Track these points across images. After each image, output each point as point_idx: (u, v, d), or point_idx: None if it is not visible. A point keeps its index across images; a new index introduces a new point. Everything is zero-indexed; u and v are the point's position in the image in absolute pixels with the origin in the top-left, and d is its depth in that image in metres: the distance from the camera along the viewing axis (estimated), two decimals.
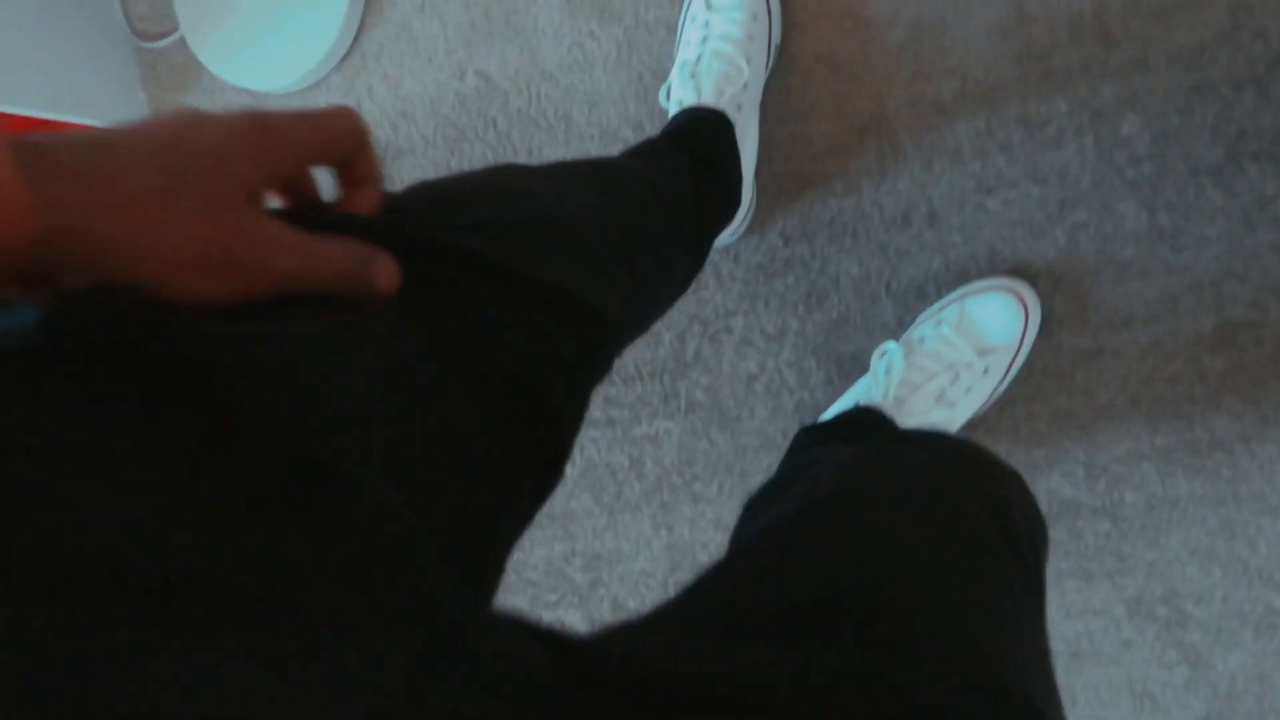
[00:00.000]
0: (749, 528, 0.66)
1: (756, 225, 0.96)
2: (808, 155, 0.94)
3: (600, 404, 1.05)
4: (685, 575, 1.10)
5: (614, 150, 0.99)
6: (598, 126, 0.99)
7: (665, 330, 1.02)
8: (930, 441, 0.69)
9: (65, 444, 0.23)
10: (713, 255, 0.98)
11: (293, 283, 0.32)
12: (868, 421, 0.83)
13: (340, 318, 0.33)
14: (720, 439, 1.02)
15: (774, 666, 0.31)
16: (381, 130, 1.07)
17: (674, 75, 0.90)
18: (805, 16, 0.92)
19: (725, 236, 0.95)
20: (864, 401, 0.87)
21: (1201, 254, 0.85)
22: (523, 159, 1.03)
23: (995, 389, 0.89)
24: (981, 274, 0.90)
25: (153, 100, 1.16)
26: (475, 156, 1.04)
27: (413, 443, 0.32)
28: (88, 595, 0.21)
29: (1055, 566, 0.94)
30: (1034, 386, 0.91)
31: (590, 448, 1.06)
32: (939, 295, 0.92)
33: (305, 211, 0.37)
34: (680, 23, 0.93)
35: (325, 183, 0.38)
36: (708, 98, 0.87)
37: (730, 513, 1.04)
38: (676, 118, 0.87)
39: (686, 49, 0.90)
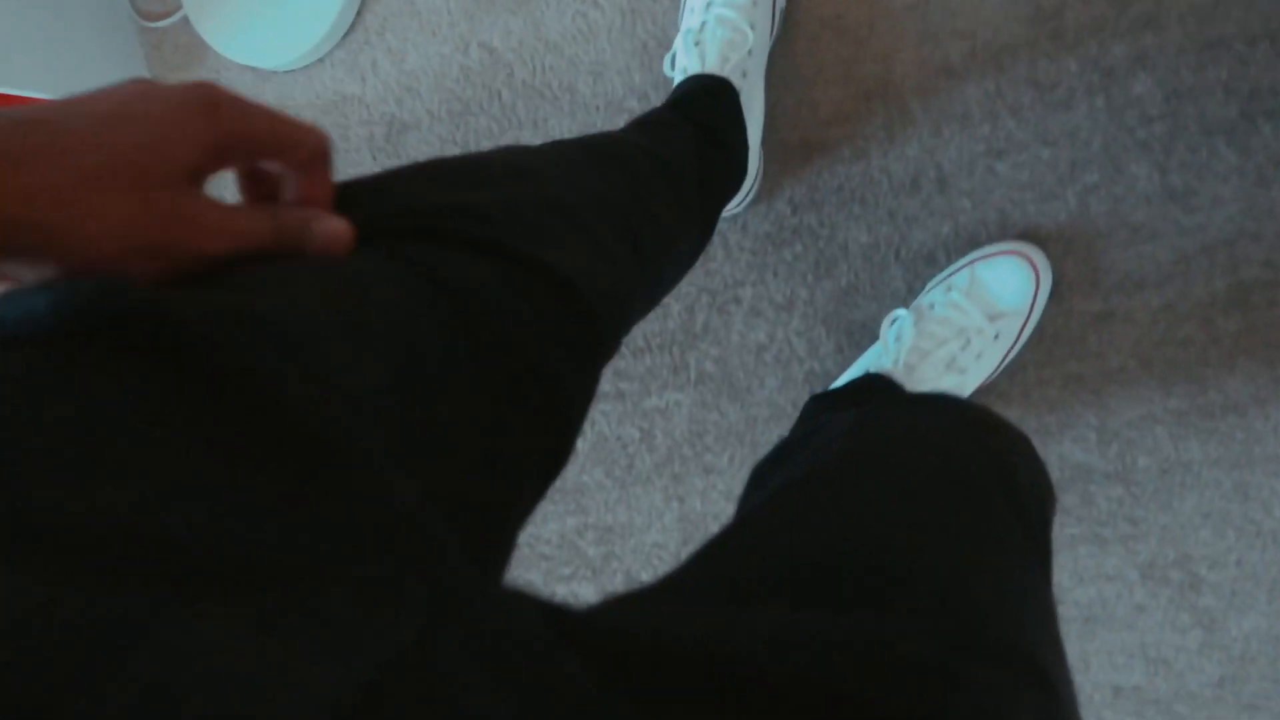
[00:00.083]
0: (754, 496, 0.66)
1: (764, 194, 0.96)
2: (815, 122, 0.93)
3: (610, 377, 1.05)
4: (697, 547, 1.10)
5: (619, 121, 0.99)
6: (603, 97, 0.99)
7: (674, 302, 1.01)
8: (936, 405, 0.69)
9: (77, 421, 0.24)
10: (720, 225, 0.98)
11: (226, 258, 0.33)
12: (877, 388, 0.83)
13: (343, 290, 0.33)
14: (730, 410, 1.02)
15: (775, 633, 0.31)
16: (387, 105, 1.07)
17: (678, 43, 0.89)
18: None
19: (732, 206, 0.94)
20: (874, 369, 0.86)
21: (1214, 214, 0.84)
22: (528, 131, 1.02)
23: (1006, 354, 0.88)
24: (992, 239, 0.90)
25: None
26: (480, 129, 1.04)
27: (415, 416, 0.32)
28: (97, 564, 0.21)
29: (1068, 532, 0.93)
30: (1045, 351, 0.91)
31: (601, 421, 1.07)
32: (949, 261, 0.91)
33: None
34: None
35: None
36: (712, 65, 0.86)
37: (741, 484, 1.04)
38: (681, 86, 0.87)
39: (690, 16, 0.89)
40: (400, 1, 1.04)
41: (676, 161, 0.70)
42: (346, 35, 1.07)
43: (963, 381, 0.86)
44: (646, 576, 1.12)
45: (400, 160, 1.08)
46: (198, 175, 0.32)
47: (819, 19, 0.91)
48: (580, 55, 0.99)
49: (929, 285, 0.91)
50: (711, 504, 1.06)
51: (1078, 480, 0.92)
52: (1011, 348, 0.88)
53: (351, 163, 1.10)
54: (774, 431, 1.02)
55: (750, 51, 0.87)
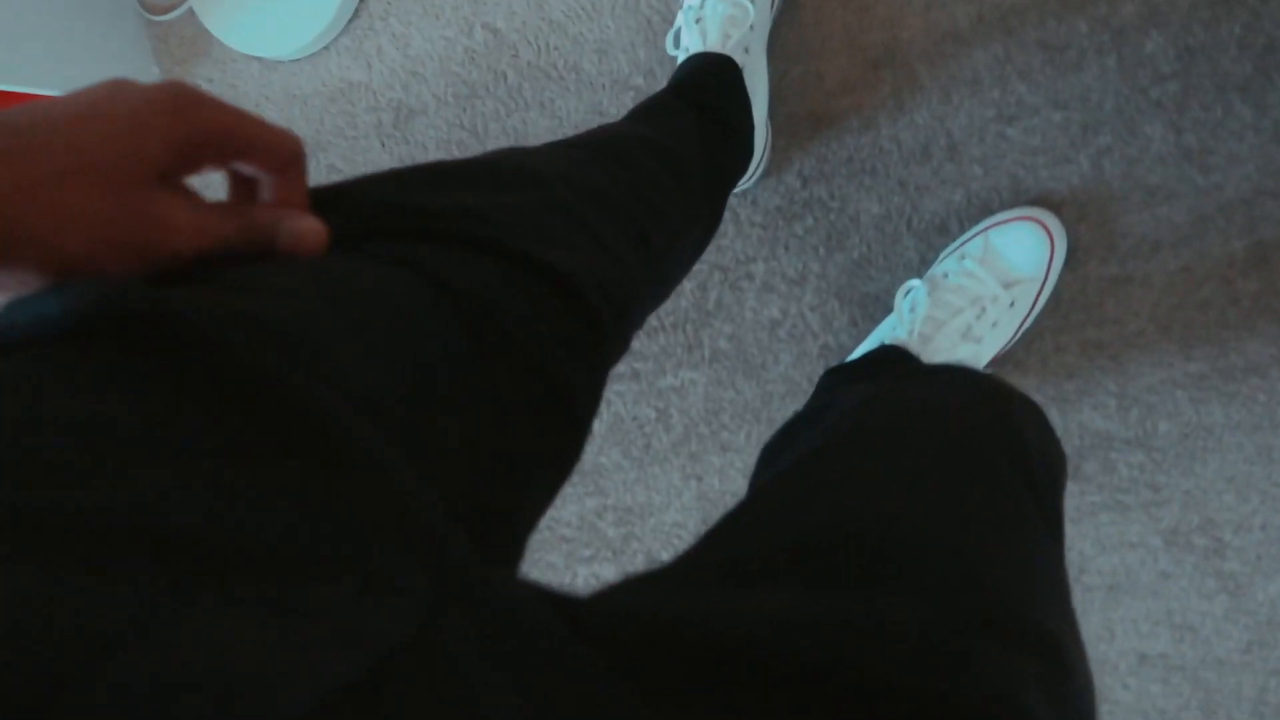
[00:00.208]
0: (764, 474, 0.66)
1: (773, 168, 0.95)
2: (822, 93, 0.92)
3: (625, 357, 1.05)
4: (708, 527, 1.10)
5: (625, 99, 0.99)
6: (608, 75, 0.98)
7: (686, 280, 1.01)
8: (943, 376, 0.68)
9: (83, 420, 0.25)
10: (730, 201, 0.97)
11: (195, 255, 0.33)
12: (891, 360, 0.82)
13: (344, 291, 0.33)
14: (746, 387, 1.02)
15: (780, 615, 0.31)
16: (393, 91, 1.07)
17: (679, 21, 0.89)
18: None
19: (742, 182, 0.94)
20: (889, 341, 0.86)
21: (1231, 173, 0.82)
22: (534, 113, 1.02)
23: (1022, 322, 0.88)
24: (1005, 205, 0.89)
25: (166, 74, 1.17)
26: (488, 112, 1.04)
27: (418, 413, 0.33)
28: (100, 559, 0.21)
29: (1089, 500, 0.93)
30: (1062, 318, 0.90)
31: (616, 401, 1.07)
32: (962, 230, 0.91)
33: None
34: None
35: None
36: (714, 43, 0.85)
37: None
38: (683, 66, 0.86)
39: None
40: None
41: (680, 150, 0.70)
42: (351, 22, 1.07)
43: (979, 350, 0.85)
44: (667, 556, 1.13)
45: (409, 146, 1.08)
46: (169, 174, 0.32)
47: None
48: (584, 33, 0.98)
49: (942, 254, 0.90)
50: (729, 482, 1.06)
51: (1098, 447, 0.91)
52: (1027, 315, 0.87)
53: (360, 150, 1.10)
54: (790, 407, 1.01)
55: (752, 26, 0.86)
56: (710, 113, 0.79)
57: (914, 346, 0.83)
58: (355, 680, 0.21)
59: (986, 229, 0.87)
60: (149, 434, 0.25)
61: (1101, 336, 0.89)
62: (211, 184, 0.94)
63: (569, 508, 1.12)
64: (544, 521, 1.13)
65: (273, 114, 1.13)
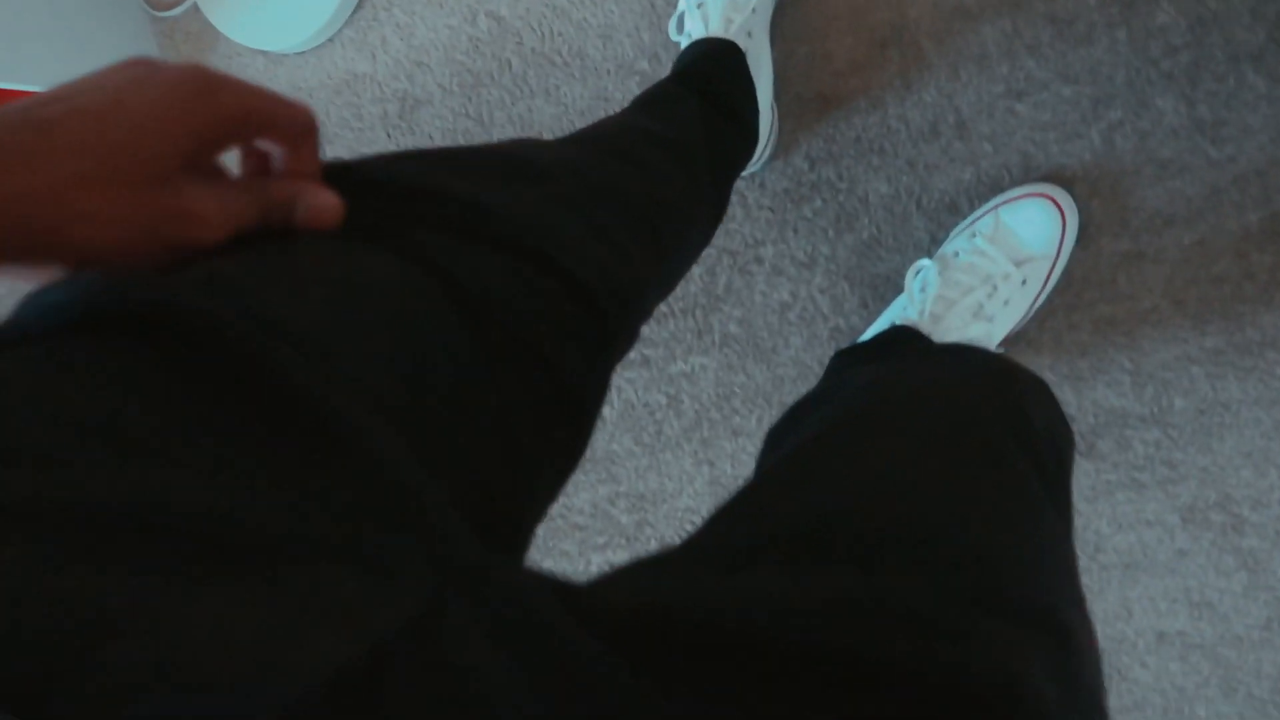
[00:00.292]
0: (769, 458, 0.66)
1: (781, 150, 0.95)
2: (828, 73, 0.91)
3: (634, 345, 1.05)
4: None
5: (631, 84, 0.98)
6: (613, 60, 0.98)
7: (695, 265, 1.01)
8: (950, 356, 0.68)
9: (91, 409, 0.25)
10: (738, 185, 0.97)
11: (218, 242, 0.33)
12: (902, 340, 0.82)
13: (350, 284, 0.33)
14: (756, 371, 1.02)
15: (780, 597, 0.31)
16: (398, 82, 1.07)
17: (682, 5, 0.88)
18: None
19: (749, 166, 0.93)
20: (900, 321, 0.85)
21: (1245, 145, 0.81)
22: (540, 100, 1.02)
23: (1034, 300, 0.87)
24: (1015, 182, 0.88)
25: None
26: (493, 101, 1.04)
27: (422, 404, 0.33)
28: (104, 543, 0.22)
29: (1104, 479, 0.92)
30: (1074, 295, 0.89)
31: (627, 388, 1.07)
32: (972, 208, 0.90)
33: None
34: None
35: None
36: (716, 28, 0.85)
37: None
38: (686, 53, 0.86)
39: None
40: None
41: (684, 140, 0.70)
42: (354, 13, 1.07)
43: (990, 329, 0.85)
44: (680, 542, 1.12)
45: (415, 136, 1.08)
46: (195, 162, 0.32)
47: None
48: (588, 19, 0.98)
49: (953, 233, 0.90)
50: (741, 466, 1.05)
51: (1113, 425, 0.91)
52: (1040, 293, 0.87)
53: (366, 141, 1.10)
54: (800, 391, 1.01)
55: (754, 10, 0.86)
56: (714, 100, 0.79)
57: (925, 326, 0.82)
58: (354, 663, 0.20)
59: (997, 206, 0.86)
60: (150, 424, 0.25)
61: (1115, 313, 0.88)
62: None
63: (582, 495, 1.12)
64: (557, 509, 1.13)
65: None
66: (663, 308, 1.03)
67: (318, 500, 0.26)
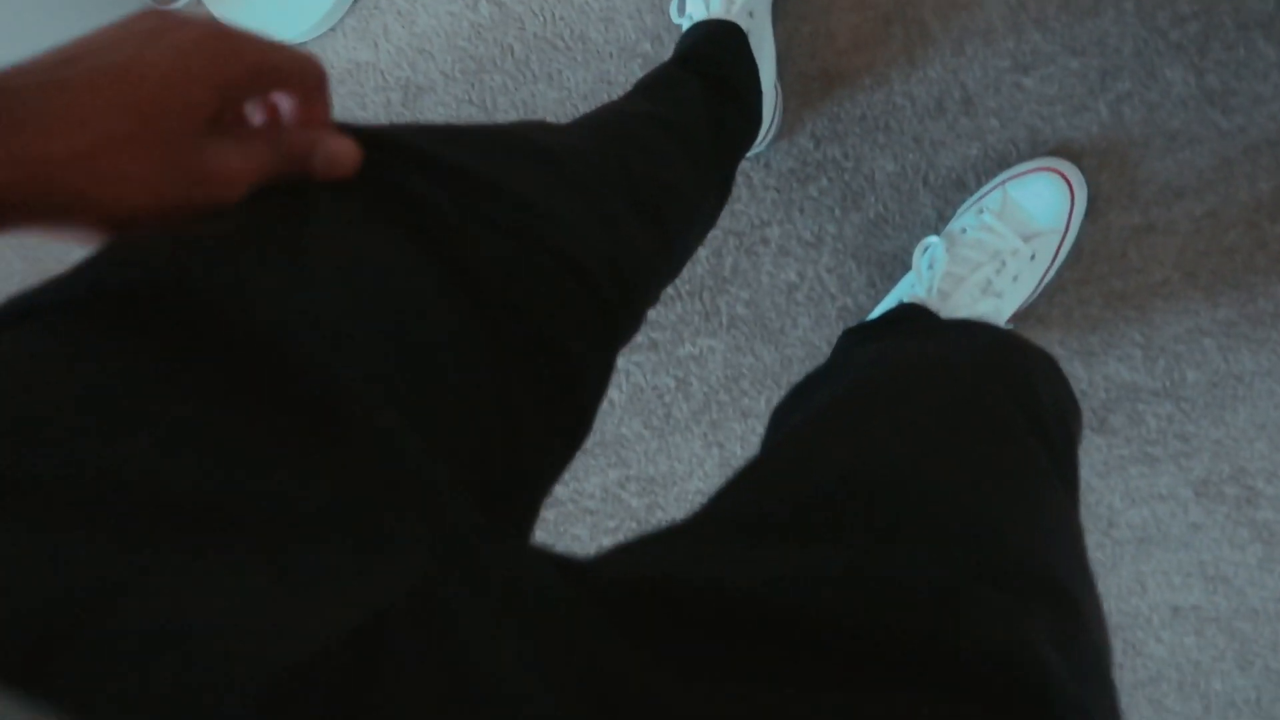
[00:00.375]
0: (774, 435, 0.66)
1: (785, 130, 0.94)
2: (832, 51, 0.91)
3: (642, 327, 1.05)
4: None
5: (633, 68, 0.98)
6: (615, 43, 0.97)
7: (701, 247, 1.00)
8: (955, 331, 0.67)
9: (96, 385, 0.25)
10: (744, 165, 0.96)
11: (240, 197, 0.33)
12: (909, 318, 0.81)
13: (351, 263, 0.33)
14: (765, 352, 1.02)
15: (782, 569, 0.31)
16: (401, 70, 1.07)
17: None
18: None
19: (754, 146, 0.93)
20: (908, 299, 0.85)
21: (1256, 114, 0.80)
22: (543, 85, 1.02)
23: (1044, 275, 0.86)
24: (1022, 157, 0.87)
25: None
26: (496, 87, 1.03)
27: (423, 383, 0.33)
28: (106, 515, 0.22)
29: (1117, 454, 0.92)
30: (1084, 270, 0.88)
31: (635, 372, 1.06)
32: (979, 184, 0.89)
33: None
34: None
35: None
36: (717, 9, 0.84)
37: None
38: (687, 35, 0.85)
39: None
40: None
41: (688, 124, 0.69)
42: (356, 2, 1.06)
43: (999, 305, 0.84)
44: None
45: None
46: (218, 117, 0.32)
47: None
48: (590, 2, 0.97)
49: (960, 210, 0.89)
50: (751, 448, 1.05)
51: (1125, 399, 0.90)
52: (1049, 268, 0.86)
53: None
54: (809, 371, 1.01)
55: None
56: (716, 82, 0.78)
57: (933, 304, 0.82)
58: (353, 632, 0.21)
59: (1004, 182, 0.86)
60: (149, 400, 0.25)
61: (1125, 287, 0.88)
62: None
63: (592, 480, 1.12)
64: (567, 494, 1.13)
65: None
66: (669, 290, 1.03)
67: (317, 475, 0.26)
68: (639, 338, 1.05)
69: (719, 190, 0.75)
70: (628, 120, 0.64)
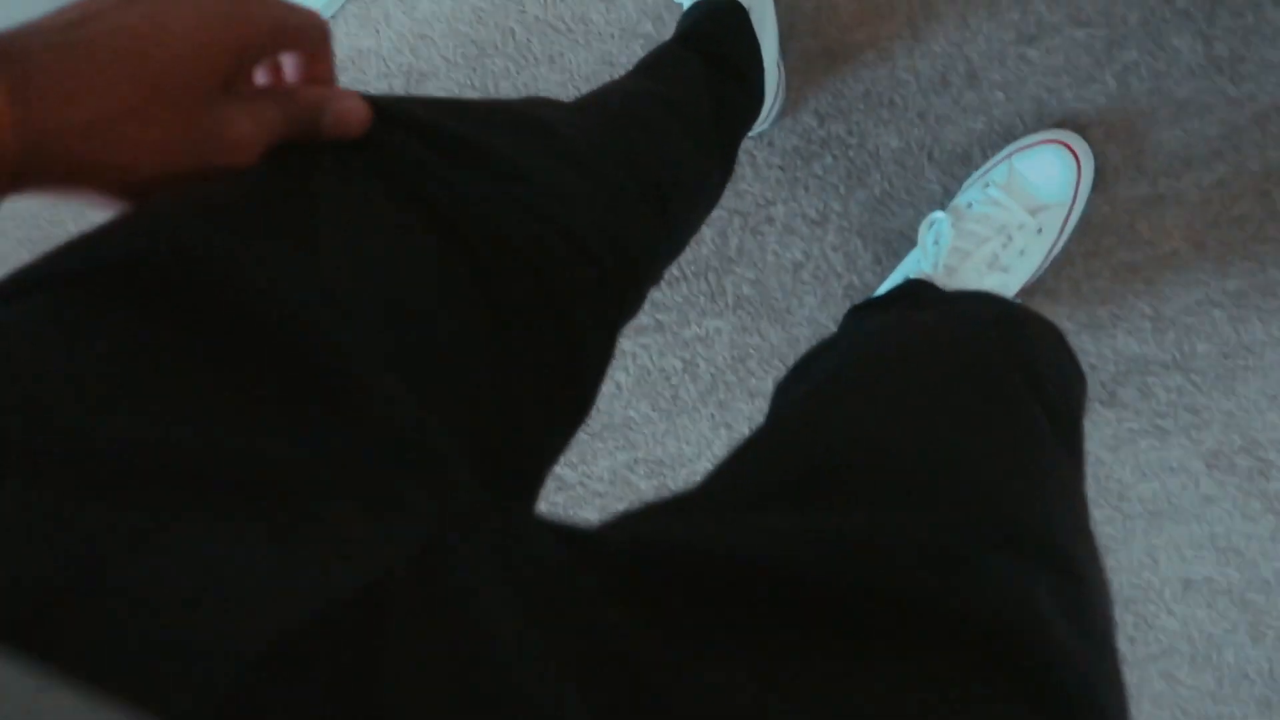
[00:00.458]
0: (778, 406, 0.66)
1: (789, 107, 0.94)
2: (836, 26, 0.90)
3: (647, 309, 1.05)
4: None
5: (635, 48, 0.97)
6: (616, 24, 0.97)
7: (705, 227, 1.00)
8: (957, 301, 0.67)
9: (102, 354, 0.25)
10: (747, 144, 0.96)
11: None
12: (914, 293, 0.81)
13: (355, 233, 0.33)
14: (771, 332, 1.01)
15: (783, 534, 0.31)
16: (403, 56, 1.07)
17: None
18: None
19: (757, 125, 0.92)
20: (914, 275, 0.85)
21: (1265, 81, 0.80)
22: (545, 68, 1.01)
23: (1051, 249, 0.86)
24: (1028, 131, 0.87)
25: None
26: (498, 71, 1.03)
27: (428, 354, 0.33)
28: (109, 481, 0.22)
29: (1126, 427, 0.91)
30: (1092, 242, 0.88)
31: (642, 354, 1.06)
32: (985, 158, 0.89)
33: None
34: None
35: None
36: None
37: None
38: (688, 14, 0.85)
39: None
40: None
41: (689, 102, 0.69)
42: None
43: (1006, 280, 0.84)
44: None
45: None
46: (232, 78, 0.32)
47: None
48: None
49: (966, 185, 0.88)
50: None
51: (1134, 372, 0.90)
52: (1056, 241, 0.86)
53: None
54: None
55: None
56: (718, 60, 0.78)
57: (939, 279, 0.82)
58: (355, 594, 0.21)
59: (1010, 155, 0.85)
60: (162, 367, 0.25)
61: (1134, 259, 0.87)
62: None
63: (600, 463, 1.12)
64: (576, 478, 1.13)
65: None
66: (675, 271, 1.02)
67: (320, 442, 0.26)
68: (645, 319, 1.05)
69: (722, 168, 0.75)
70: (629, 98, 0.64)
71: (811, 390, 0.49)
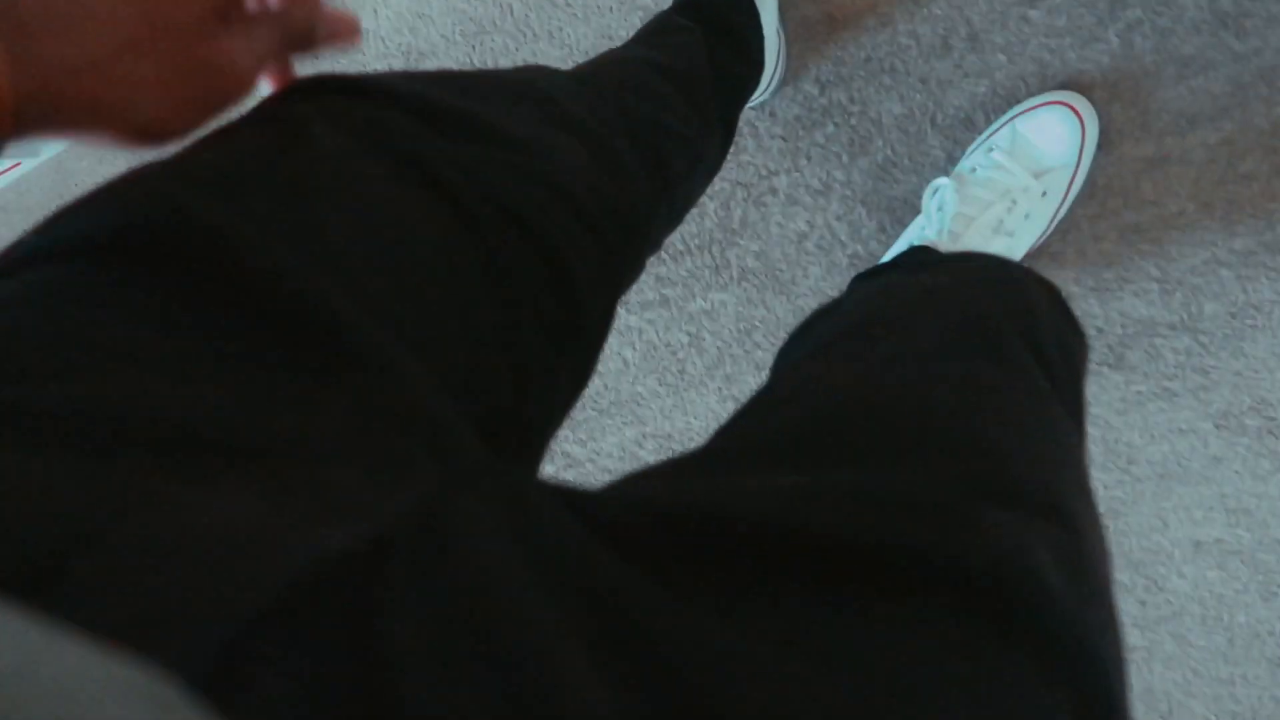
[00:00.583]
0: (780, 369, 0.66)
1: (789, 76, 0.93)
2: None
3: (652, 283, 1.05)
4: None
5: (634, 19, 0.97)
6: None
7: (708, 200, 1.00)
8: (956, 262, 0.67)
9: (103, 324, 0.26)
10: (748, 114, 0.95)
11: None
12: (917, 258, 0.81)
13: (356, 204, 0.33)
14: (777, 304, 1.01)
15: (785, 490, 0.31)
16: (401, 36, 1.06)
17: None
18: None
19: (758, 94, 0.92)
20: (918, 242, 0.84)
21: (1271, 35, 0.78)
22: (544, 43, 1.01)
23: (1056, 212, 0.85)
24: (1031, 93, 0.86)
25: None
26: (497, 48, 1.03)
27: (432, 319, 0.33)
28: (110, 443, 0.22)
29: (1134, 390, 0.91)
30: (1098, 205, 0.87)
31: (648, 329, 1.07)
32: (988, 122, 0.88)
33: None
34: None
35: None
36: None
37: None
38: None
39: None
40: None
41: (688, 70, 0.69)
42: None
43: (1012, 245, 0.83)
44: None
45: None
46: (225, 8, 0.32)
47: None
48: None
49: (969, 150, 0.88)
50: None
51: (1141, 335, 0.89)
52: (1061, 204, 0.85)
53: None
54: None
55: None
56: (718, 29, 0.77)
57: (944, 246, 0.81)
58: (357, 550, 0.21)
59: (1013, 118, 0.84)
60: (167, 335, 0.26)
61: (1140, 220, 0.86)
62: None
63: (609, 439, 1.13)
64: (585, 455, 1.14)
65: None
66: (679, 245, 1.02)
67: (322, 404, 0.26)
68: (650, 294, 1.05)
69: (722, 138, 0.74)
70: (629, 65, 0.64)
71: (811, 352, 0.49)
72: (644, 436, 1.12)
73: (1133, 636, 0.98)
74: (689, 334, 1.05)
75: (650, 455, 1.12)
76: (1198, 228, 0.85)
